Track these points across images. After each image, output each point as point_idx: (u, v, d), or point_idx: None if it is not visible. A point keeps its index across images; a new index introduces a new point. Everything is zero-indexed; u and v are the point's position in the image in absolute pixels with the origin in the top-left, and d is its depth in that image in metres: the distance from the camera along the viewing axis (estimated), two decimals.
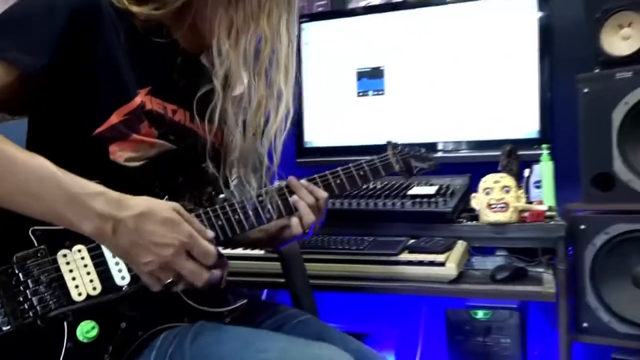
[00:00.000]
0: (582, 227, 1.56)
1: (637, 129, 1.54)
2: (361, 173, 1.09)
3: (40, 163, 0.75)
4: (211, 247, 0.82)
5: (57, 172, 0.75)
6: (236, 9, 0.88)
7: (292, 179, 1.02)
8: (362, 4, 2.34)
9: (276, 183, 1.02)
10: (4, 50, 0.78)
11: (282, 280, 1.31)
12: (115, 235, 0.75)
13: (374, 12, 2.20)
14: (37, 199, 0.74)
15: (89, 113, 0.85)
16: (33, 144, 0.88)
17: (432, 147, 2.02)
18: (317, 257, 1.46)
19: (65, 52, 0.82)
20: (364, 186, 1.74)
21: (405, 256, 1.42)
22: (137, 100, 0.88)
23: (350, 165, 1.09)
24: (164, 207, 0.79)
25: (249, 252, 1.55)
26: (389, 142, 1.20)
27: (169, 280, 0.80)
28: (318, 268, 1.43)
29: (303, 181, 1.03)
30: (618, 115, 1.55)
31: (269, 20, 0.89)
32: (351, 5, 2.35)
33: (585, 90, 1.61)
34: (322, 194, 1.03)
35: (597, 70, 1.65)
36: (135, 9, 0.89)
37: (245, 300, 0.95)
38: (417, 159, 1.21)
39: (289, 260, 1.25)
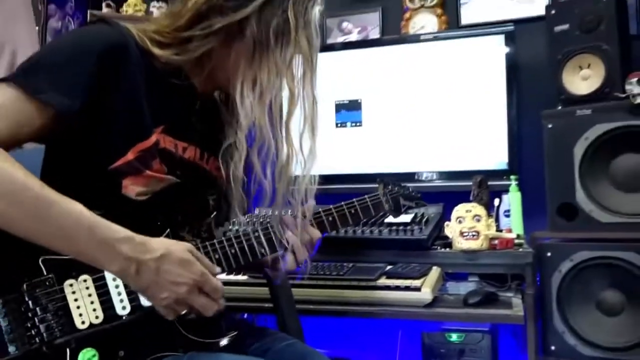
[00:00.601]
0: (549, 254, 1.64)
1: (597, 162, 1.65)
2: (352, 211, 1.13)
3: (76, 208, 0.80)
4: (219, 284, 0.88)
5: (90, 218, 0.80)
6: (260, 65, 0.92)
7: (288, 217, 1.04)
8: (340, 39, 2.45)
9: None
10: (41, 91, 0.82)
11: (269, 305, 1.35)
12: (138, 275, 0.82)
13: (352, 47, 2.29)
14: (71, 241, 0.80)
15: (106, 148, 0.89)
16: (48, 171, 0.92)
17: (407, 177, 2.10)
18: (300, 282, 1.51)
19: (94, 92, 0.86)
20: None
21: (383, 281, 1.48)
22: (153, 138, 0.92)
23: (342, 203, 1.13)
24: (180, 248, 0.86)
25: (234, 277, 1.59)
26: (380, 181, 1.24)
27: (183, 312, 0.87)
28: (300, 293, 1.47)
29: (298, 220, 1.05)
30: (579, 149, 1.66)
31: (294, 77, 0.94)
32: (330, 41, 2.45)
33: (550, 125, 1.72)
34: (317, 234, 1.07)
35: (559, 108, 1.76)
36: (157, 51, 0.93)
37: (235, 332, 0.99)
38: (406, 197, 1.26)
39: (278, 289, 1.29)
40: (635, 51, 1.85)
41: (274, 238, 1.00)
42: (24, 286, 0.83)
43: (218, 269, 0.91)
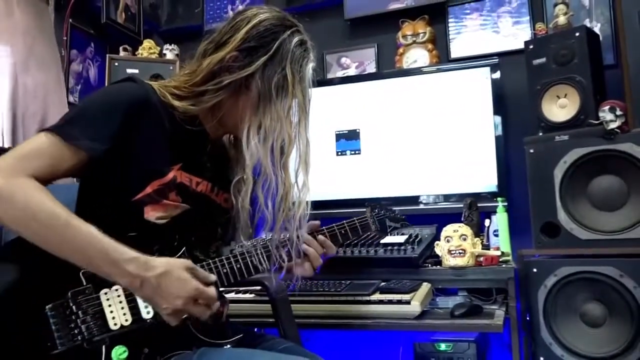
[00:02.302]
0: (534, 270, 1.74)
1: (576, 184, 1.76)
2: (342, 232, 1.29)
3: (90, 231, 0.96)
4: (212, 292, 1.02)
5: (102, 240, 0.96)
6: (264, 113, 1.09)
7: (307, 235, 1.21)
8: (339, 74, 2.61)
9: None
10: (76, 138, 1.00)
11: (271, 320, 1.47)
12: (142, 288, 0.97)
13: (350, 81, 2.45)
14: (86, 259, 0.96)
15: (129, 184, 1.06)
16: (84, 201, 1.08)
17: (403, 200, 2.23)
18: (299, 298, 1.65)
19: (120, 138, 1.03)
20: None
21: (376, 296, 1.61)
22: (170, 175, 1.08)
23: (333, 225, 1.29)
24: (178, 267, 1.00)
25: (242, 296, 1.74)
26: (368, 204, 1.40)
27: (184, 317, 1.01)
28: (301, 308, 1.61)
29: (320, 236, 1.24)
30: (559, 172, 1.77)
31: (292, 123, 1.11)
32: (330, 75, 2.62)
33: (531, 150, 1.84)
34: (333, 249, 1.25)
35: (540, 134, 1.88)
36: (176, 103, 1.10)
37: (241, 335, 1.14)
38: (391, 219, 1.40)
39: (277, 297, 1.43)
40: (608, 80, 1.97)
41: (273, 255, 1.16)
42: (69, 294, 0.99)
43: (213, 277, 1.06)
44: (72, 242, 0.95)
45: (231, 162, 1.22)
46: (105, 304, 1.01)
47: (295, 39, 1.13)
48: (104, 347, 0.99)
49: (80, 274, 1.01)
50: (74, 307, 0.98)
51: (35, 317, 0.96)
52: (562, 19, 1.96)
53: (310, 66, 1.16)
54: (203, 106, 1.12)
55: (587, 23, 2.17)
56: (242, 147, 1.11)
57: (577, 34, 1.84)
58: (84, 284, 1.01)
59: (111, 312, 1.01)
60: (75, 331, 0.98)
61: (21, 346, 0.95)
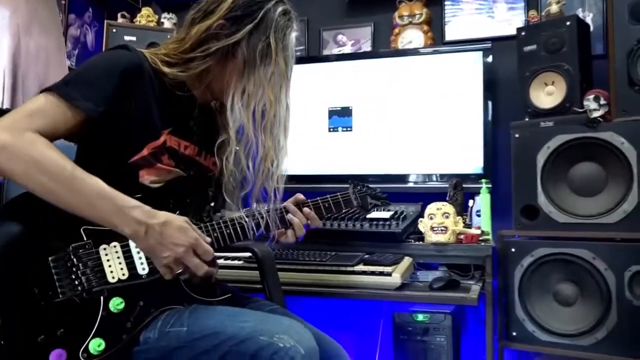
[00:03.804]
0: (512, 250, 1.81)
1: (557, 169, 1.82)
2: (326, 205, 1.35)
3: (96, 182, 1.01)
4: (210, 248, 1.09)
5: (108, 190, 1.01)
6: (248, 79, 1.15)
7: (290, 205, 1.29)
8: (335, 51, 2.64)
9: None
10: (75, 98, 1.05)
11: (258, 286, 1.54)
12: (146, 236, 1.02)
13: (345, 59, 2.48)
14: (93, 209, 1.01)
15: (126, 146, 1.12)
16: (81, 165, 1.11)
17: (392, 178, 2.29)
18: (286, 266, 1.72)
19: (116, 101, 1.08)
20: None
21: (360, 267, 1.68)
22: (162, 138, 1.15)
23: (318, 198, 1.35)
24: (179, 219, 1.07)
25: (230, 262, 1.80)
26: (350, 181, 1.46)
27: (179, 271, 1.07)
28: (287, 276, 1.68)
29: (305, 208, 1.30)
30: (542, 157, 1.82)
31: (273, 89, 1.16)
32: (325, 52, 2.65)
33: (517, 135, 1.89)
34: (317, 221, 1.32)
35: (526, 119, 1.94)
36: (166, 69, 1.15)
37: (229, 294, 1.22)
38: (373, 197, 1.47)
39: (264, 263, 1.50)
40: (596, 70, 2.02)
41: (260, 222, 1.22)
42: (70, 247, 1.05)
43: (208, 239, 1.12)
44: (79, 193, 1.00)
45: (217, 127, 1.28)
46: (104, 258, 1.07)
47: (280, 9, 1.18)
48: (102, 298, 1.05)
49: (81, 230, 1.06)
50: (74, 260, 1.04)
51: (39, 268, 1.02)
52: (554, 8, 2.00)
53: (293, 35, 1.22)
54: (191, 72, 1.17)
55: (579, 13, 2.21)
56: (226, 112, 1.17)
57: (568, 23, 1.88)
58: (85, 239, 1.06)
59: (109, 266, 1.07)
60: (76, 282, 1.04)
61: (26, 294, 1.01)
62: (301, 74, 2.36)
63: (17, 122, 1.00)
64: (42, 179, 0.98)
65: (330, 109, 2.42)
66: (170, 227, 1.04)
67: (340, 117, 2.40)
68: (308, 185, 2.34)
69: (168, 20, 2.58)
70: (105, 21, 2.44)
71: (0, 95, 2.03)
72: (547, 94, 1.92)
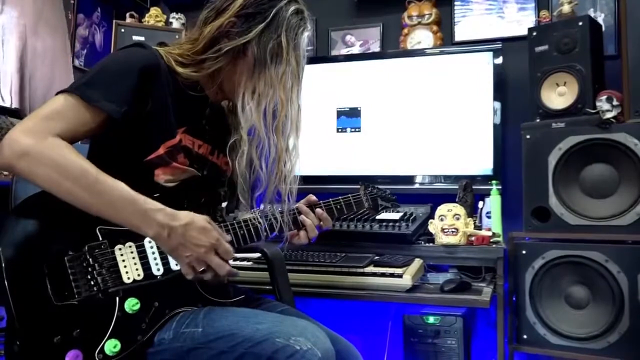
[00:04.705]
0: (523, 252, 1.79)
1: (569, 170, 1.80)
2: (338, 207, 1.36)
3: (119, 185, 1.01)
4: (231, 248, 1.09)
5: (131, 193, 1.01)
6: (258, 78, 1.14)
7: (302, 206, 1.29)
8: (343, 51, 2.63)
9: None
10: (96, 100, 1.04)
11: (268, 287, 1.54)
12: (169, 238, 1.02)
13: (354, 59, 2.47)
14: (117, 212, 1.01)
15: (142, 144, 1.11)
16: (94, 164, 1.10)
17: (401, 179, 2.28)
18: (296, 267, 1.71)
19: (136, 100, 1.08)
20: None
21: (370, 269, 1.67)
22: (178, 137, 1.15)
23: (330, 200, 1.35)
24: (201, 219, 1.07)
25: (239, 263, 1.79)
26: (361, 183, 1.46)
27: (201, 270, 1.06)
28: (297, 277, 1.67)
29: (317, 209, 1.31)
30: (553, 158, 1.81)
31: (284, 88, 1.15)
32: (334, 52, 2.64)
33: (528, 136, 1.88)
34: (329, 222, 1.32)
35: (537, 120, 1.92)
36: (179, 69, 1.15)
37: (243, 296, 1.22)
38: (383, 199, 1.47)
39: (275, 264, 1.50)
40: (608, 70, 2.01)
41: (274, 223, 1.22)
42: (86, 247, 1.05)
43: (229, 237, 1.12)
44: (102, 196, 1.00)
45: (230, 127, 1.27)
46: (119, 258, 1.06)
47: (292, 8, 1.18)
48: (117, 298, 1.04)
49: (97, 230, 1.06)
50: (90, 260, 1.04)
51: (55, 268, 1.02)
52: (566, 8, 1.98)
53: (306, 35, 1.21)
54: (204, 72, 1.17)
55: (591, 13, 2.19)
56: (238, 112, 1.16)
57: (580, 23, 1.86)
58: (100, 239, 1.06)
59: (125, 266, 1.06)
60: (92, 282, 1.04)
61: (42, 295, 1.00)
62: (309, 74, 2.31)
63: (38, 126, 1.00)
64: (66, 183, 0.98)
65: (338, 109, 2.41)
66: (193, 228, 1.04)
67: (349, 117, 2.40)
68: (316, 186, 2.33)
69: (176, 20, 2.58)
70: (114, 21, 2.45)
71: (9, 95, 2.04)
72: (558, 94, 1.90)
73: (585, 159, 1.79)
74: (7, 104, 2.03)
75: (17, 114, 1.95)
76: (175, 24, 2.58)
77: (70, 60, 2.35)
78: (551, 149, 1.81)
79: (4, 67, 2.06)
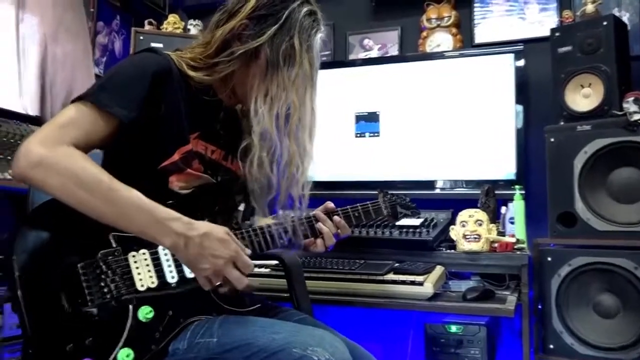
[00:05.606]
0: (549, 259, 1.75)
1: (595, 174, 1.76)
2: (356, 214, 1.32)
3: (134, 194, 0.99)
4: (250, 261, 1.06)
5: (147, 201, 0.99)
6: (271, 81, 1.11)
7: (319, 213, 1.27)
8: (361, 55, 2.61)
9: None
10: (108, 105, 1.03)
11: (285, 294, 1.51)
12: (186, 248, 0.99)
13: (372, 63, 2.44)
14: (133, 222, 0.99)
15: (156, 150, 1.09)
16: (109, 172, 1.08)
17: (421, 184, 2.24)
18: (314, 275, 1.68)
19: (148, 105, 1.06)
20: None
21: (390, 276, 1.63)
22: (190, 143, 1.13)
23: (347, 207, 1.32)
24: (220, 229, 1.03)
25: (258, 270, 1.78)
26: (380, 190, 1.43)
27: (218, 283, 1.04)
28: (315, 285, 1.64)
29: (335, 217, 1.29)
30: (579, 162, 1.76)
31: (298, 91, 1.12)
32: (352, 57, 2.62)
33: (552, 139, 1.84)
34: (347, 230, 1.29)
35: (561, 123, 1.87)
36: (191, 73, 1.13)
37: (259, 305, 1.19)
38: (402, 206, 1.44)
39: (292, 271, 1.47)
40: (635, 71, 1.95)
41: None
42: (99, 254, 1.03)
43: (248, 251, 1.09)
44: (116, 205, 0.98)
45: (242, 131, 1.24)
46: (132, 266, 1.05)
47: (305, 9, 1.15)
48: (131, 306, 1.02)
49: (110, 237, 1.04)
50: (103, 267, 1.02)
51: (68, 275, 1.01)
52: (590, 7, 1.93)
53: (319, 37, 1.18)
54: (216, 76, 1.15)
55: (615, 12, 2.13)
56: (251, 116, 1.13)
57: (605, 23, 1.81)
58: (113, 246, 1.05)
59: (138, 273, 1.04)
60: (105, 289, 1.02)
61: (55, 302, 0.99)
62: (327, 79, 2.35)
63: (52, 135, 0.99)
64: (80, 192, 0.96)
65: (357, 114, 2.39)
66: (210, 238, 1.01)
67: (368, 122, 2.37)
68: (334, 192, 2.31)
69: (194, 27, 2.59)
70: (133, 28, 2.46)
71: (29, 103, 2.06)
72: (583, 96, 1.85)
73: (612, 163, 1.74)
74: (28, 112, 2.05)
75: (38, 121, 1.97)
76: (193, 31, 2.59)
77: (92, 65, 2.37)
78: (576, 152, 1.77)
79: (25, 75, 2.08)
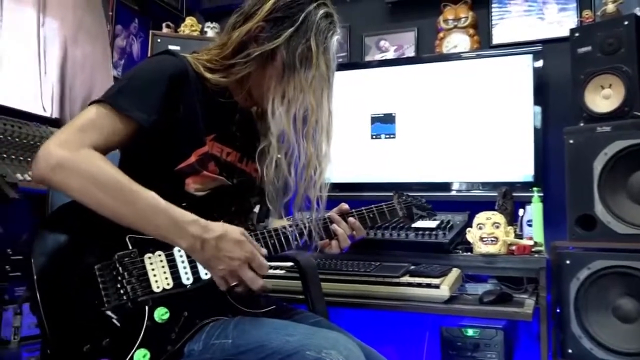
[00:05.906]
0: (567, 262, 1.72)
1: (615, 176, 1.72)
2: (371, 216, 1.32)
3: (153, 196, 1.00)
4: (265, 262, 1.07)
5: (164, 204, 1.00)
6: (288, 83, 1.12)
7: (334, 215, 1.27)
8: (377, 57, 2.60)
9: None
10: (127, 109, 1.04)
11: (300, 296, 1.51)
12: (202, 250, 1.01)
13: (388, 65, 2.43)
14: (149, 223, 1.00)
15: (173, 153, 1.11)
16: (125, 173, 1.10)
17: (437, 186, 2.23)
18: (329, 277, 1.68)
19: (166, 108, 1.08)
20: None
21: (406, 279, 1.62)
22: (206, 145, 1.14)
23: (362, 208, 1.32)
24: (236, 231, 1.05)
25: (272, 272, 1.78)
26: (395, 191, 1.42)
27: (234, 284, 1.05)
28: (330, 287, 1.64)
29: (350, 219, 1.28)
30: (599, 164, 1.73)
31: (314, 93, 1.13)
32: (368, 58, 2.61)
33: (571, 141, 1.81)
34: (362, 232, 1.29)
35: (581, 124, 1.85)
36: (208, 75, 1.14)
37: (274, 306, 1.20)
38: (418, 207, 1.43)
39: (307, 273, 1.47)
40: None
41: (304, 232, 1.19)
42: (116, 256, 1.04)
43: (264, 251, 1.10)
44: (135, 207, 0.99)
45: (259, 133, 1.25)
46: (148, 267, 1.06)
47: (321, 11, 1.16)
48: (147, 307, 1.03)
49: (126, 239, 1.06)
50: (120, 269, 1.04)
51: (85, 277, 1.02)
52: (610, 7, 1.91)
53: (335, 39, 1.18)
54: (232, 78, 1.16)
55: (637, 12, 2.09)
56: (268, 118, 1.14)
57: (626, 23, 1.78)
58: (130, 248, 1.06)
59: (154, 275, 1.05)
60: (121, 291, 1.03)
61: (72, 303, 1.01)
62: (343, 80, 2.33)
63: (72, 138, 1.00)
64: (99, 194, 0.98)
65: (372, 115, 2.38)
66: (226, 240, 1.02)
67: (383, 124, 2.36)
68: (350, 194, 2.30)
69: (211, 30, 2.61)
70: (150, 31, 2.49)
71: (50, 105, 2.09)
72: (603, 97, 1.83)
73: (633, 164, 1.71)
74: (48, 114, 2.08)
75: (57, 123, 2.00)
76: (210, 33, 2.61)
77: (111, 67, 2.40)
78: (596, 154, 1.74)
79: (45, 77, 2.12)
